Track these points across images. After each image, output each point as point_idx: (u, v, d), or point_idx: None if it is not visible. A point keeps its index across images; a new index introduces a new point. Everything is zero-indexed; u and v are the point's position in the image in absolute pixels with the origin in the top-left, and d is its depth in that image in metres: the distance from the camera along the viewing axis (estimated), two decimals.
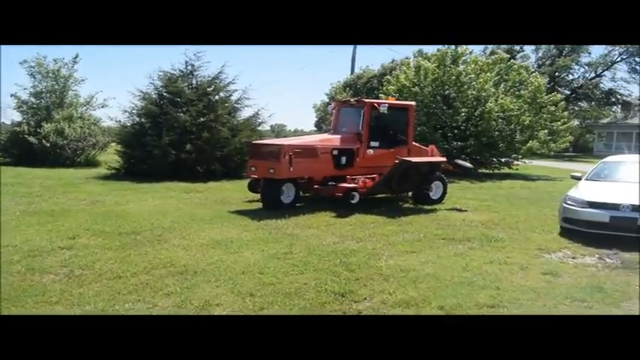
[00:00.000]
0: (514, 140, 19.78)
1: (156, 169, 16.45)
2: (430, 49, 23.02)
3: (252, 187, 12.23)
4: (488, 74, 19.94)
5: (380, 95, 21.39)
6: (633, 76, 46.57)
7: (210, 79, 18.66)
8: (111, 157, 20.15)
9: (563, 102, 23.29)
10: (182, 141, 16.73)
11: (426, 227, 9.06)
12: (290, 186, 10.72)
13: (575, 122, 34.63)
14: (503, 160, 20.26)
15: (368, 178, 11.26)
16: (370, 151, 11.72)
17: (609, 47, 47.18)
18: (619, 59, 47.27)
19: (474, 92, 19.48)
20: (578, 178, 9.67)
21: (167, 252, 6.97)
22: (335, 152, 11.27)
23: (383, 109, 11.49)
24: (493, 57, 22.44)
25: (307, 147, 10.88)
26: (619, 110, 48.02)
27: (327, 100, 35.49)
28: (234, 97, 18.98)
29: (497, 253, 7.28)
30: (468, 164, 11.14)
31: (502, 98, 19.56)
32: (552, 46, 48.10)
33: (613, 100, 46.49)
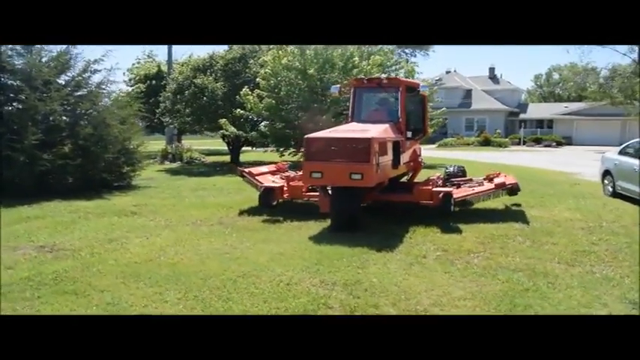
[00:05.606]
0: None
1: (14, 183, 10.90)
2: None
3: (266, 200, 8.75)
4: (376, 57, 18.78)
5: (257, 81, 18.48)
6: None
7: (58, 53, 13.14)
8: None
9: (435, 86, 23.68)
10: (52, 141, 11.48)
11: (574, 235, 7.34)
12: None
13: None
14: None
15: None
16: (407, 144, 9.32)
17: None
18: None
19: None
20: None
21: None
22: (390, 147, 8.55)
23: (423, 89, 9.20)
24: None
25: (384, 141, 7.88)
26: None
27: (133, 87, 30.10)
28: (95, 79, 13.88)
29: None
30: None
31: None
32: None
33: None
